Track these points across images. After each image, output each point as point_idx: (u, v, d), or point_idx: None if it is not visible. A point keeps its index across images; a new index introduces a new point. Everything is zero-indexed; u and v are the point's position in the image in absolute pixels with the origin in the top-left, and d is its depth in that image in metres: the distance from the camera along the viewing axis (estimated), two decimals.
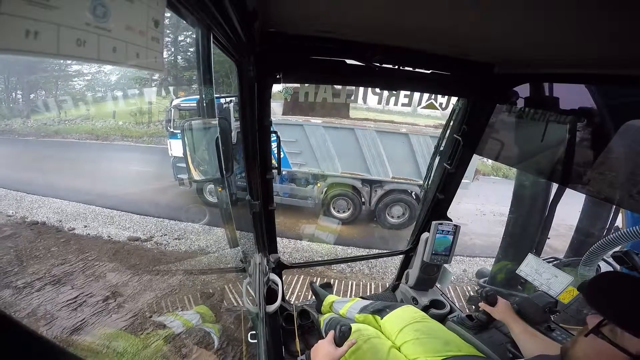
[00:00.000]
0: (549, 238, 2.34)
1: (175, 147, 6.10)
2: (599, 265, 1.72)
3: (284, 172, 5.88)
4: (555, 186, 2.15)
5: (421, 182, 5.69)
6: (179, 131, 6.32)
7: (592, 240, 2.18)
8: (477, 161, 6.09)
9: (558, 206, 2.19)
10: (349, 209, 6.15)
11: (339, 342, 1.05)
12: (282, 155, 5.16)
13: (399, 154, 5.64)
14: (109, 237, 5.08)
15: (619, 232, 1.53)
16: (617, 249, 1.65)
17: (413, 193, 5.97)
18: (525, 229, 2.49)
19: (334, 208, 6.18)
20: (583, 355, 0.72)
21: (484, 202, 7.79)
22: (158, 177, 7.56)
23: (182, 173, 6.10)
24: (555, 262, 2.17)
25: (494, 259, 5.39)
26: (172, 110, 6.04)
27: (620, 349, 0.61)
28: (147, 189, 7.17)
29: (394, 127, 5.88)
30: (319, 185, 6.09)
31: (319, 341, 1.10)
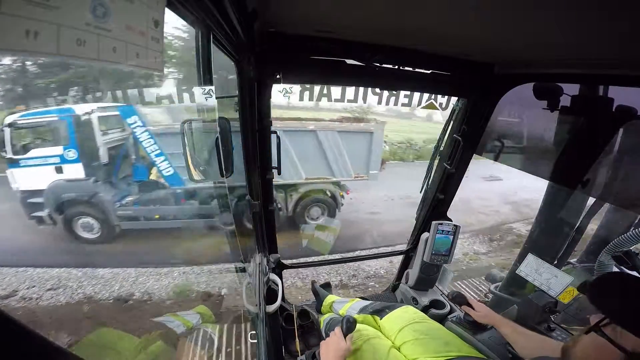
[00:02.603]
0: (575, 251, 2.26)
1: (23, 178, 4.44)
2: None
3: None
4: (588, 200, 2.04)
5: (334, 180, 5.52)
6: (23, 156, 4.39)
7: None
8: (381, 151, 5.95)
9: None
10: None
11: (345, 332, 1.13)
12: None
13: (309, 153, 5.26)
14: None
15: (633, 231, 1.51)
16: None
17: (328, 191, 5.71)
18: (552, 239, 2.35)
19: None
20: (582, 353, 0.74)
21: (390, 187, 7.73)
22: (5, 217, 5.43)
23: (38, 210, 4.56)
24: (567, 266, 2.14)
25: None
26: (6, 130, 4.28)
27: (618, 346, 0.63)
28: None
29: (301, 124, 5.43)
30: None
31: (330, 334, 1.16)
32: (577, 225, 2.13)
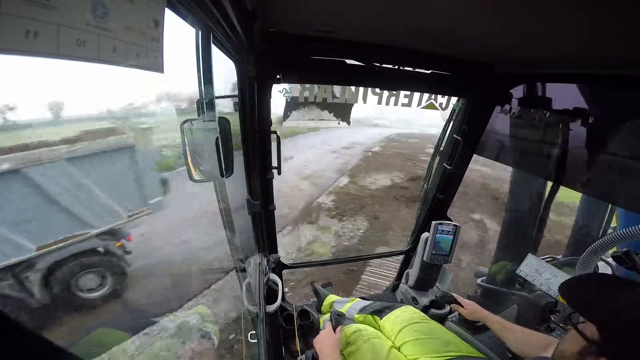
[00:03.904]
0: (544, 236, 2.33)
1: None
2: (597, 265, 1.71)
3: None
4: (548, 184, 2.14)
5: (96, 232, 3.42)
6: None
7: (589, 240, 2.16)
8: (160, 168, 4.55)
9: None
10: None
11: (335, 325, 1.23)
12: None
13: (27, 208, 2.98)
14: None
15: (616, 232, 1.53)
16: (615, 249, 1.64)
17: (99, 249, 3.59)
18: (523, 228, 2.47)
19: None
20: (561, 347, 0.80)
21: (188, 202, 5.78)
22: None
23: None
24: (553, 261, 2.16)
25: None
26: None
27: (581, 334, 0.69)
28: None
29: None
30: None
31: (321, 331, 1.22)
32: (540, 213, 2.22)
